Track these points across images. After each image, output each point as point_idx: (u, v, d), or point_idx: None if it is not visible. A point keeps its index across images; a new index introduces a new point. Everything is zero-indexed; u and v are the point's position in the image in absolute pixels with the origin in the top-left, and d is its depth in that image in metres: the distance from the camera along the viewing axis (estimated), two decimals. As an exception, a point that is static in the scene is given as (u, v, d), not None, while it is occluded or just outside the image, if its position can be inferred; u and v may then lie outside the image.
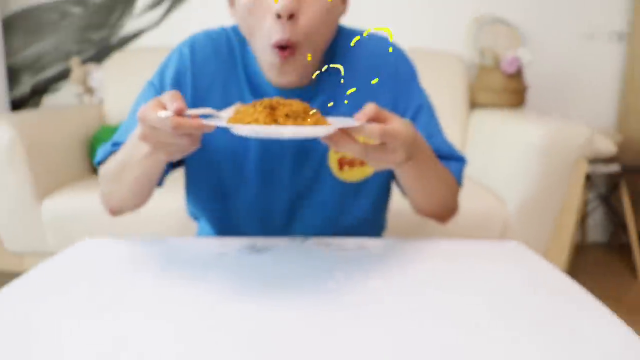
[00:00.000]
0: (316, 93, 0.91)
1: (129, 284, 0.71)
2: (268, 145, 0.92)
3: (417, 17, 2.57)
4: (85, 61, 2.55)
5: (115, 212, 0.95)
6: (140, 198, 0.90)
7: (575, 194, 1.80)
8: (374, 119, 0.68)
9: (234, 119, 0.67)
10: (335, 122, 0.68)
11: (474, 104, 2.39)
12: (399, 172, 0.85)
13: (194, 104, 0.90)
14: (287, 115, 0.66)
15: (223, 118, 0.71)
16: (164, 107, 0.66)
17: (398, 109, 0.94)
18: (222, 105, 0.90)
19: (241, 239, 0.92)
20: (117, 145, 0.92)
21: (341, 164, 0.95)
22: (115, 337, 0.57)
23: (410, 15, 2.56)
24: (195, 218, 1.12)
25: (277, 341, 0.56)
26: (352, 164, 0.95)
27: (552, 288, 0.73)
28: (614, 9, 2.63)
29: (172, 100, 0.65)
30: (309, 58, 0.84)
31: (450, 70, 2.34)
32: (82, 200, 1.83)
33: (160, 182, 0.93)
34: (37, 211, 1.81)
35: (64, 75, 2.58)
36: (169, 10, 2.54)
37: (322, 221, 0.99)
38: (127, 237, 0.92)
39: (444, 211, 0.97)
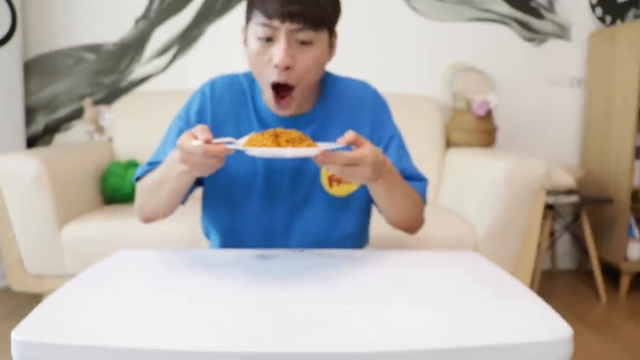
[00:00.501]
0: (310, 121, 1.17)
1: (166, 280, 0.92)
2: (272, 165, 1.16)
3: (398, 64, 2.85)
4: (96, 102, 2.78)
5: (148, 220, 1.18)
6: (170, 208, 1.14)
7: (536, 221, 2.04)
8: (352, 143, 0.95)
9: (248, 144, 0.93)
10: (322, 146, 0.94)
11: (449, 143, 2.65)
12: (370, 188, 1.10)
13: (213, 131, 1.14)
14: (287, 141, 0.92)
15: (239, 144, 0.96)
16: (196, 137, 0.92)
17: (375, 137, 1.20)
18: (235, 132, 1.16)
19: (251, 250, 1.15)
20: (152, 164, 1.17)
21: (331, 180, 1.19)
22: (161, 321, 0.79)
23: (392, 63, 2.84)
24: (208, 236, 1.33)
25: (285, 314, 0.79)
26: (339, 181, 1.19)
27: (496, 283, 0.96)
28: (573, 57, 2.94)
29: (202, 132, 0.92)
30: (300, 96, 1.10)
31: (428, 112, 2.61)
32: (97, 228, 2.03)
33: (184, 201, 1.17)
34: (57, 236, 2.00)
35: (76, 115, 2.80)
36: (174, 58, 2.80)
37: (316, 235, 1.21)
38: (155, 249, 1.14)
39: (411, 223, 1.21)
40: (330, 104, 1.19)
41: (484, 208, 2.04)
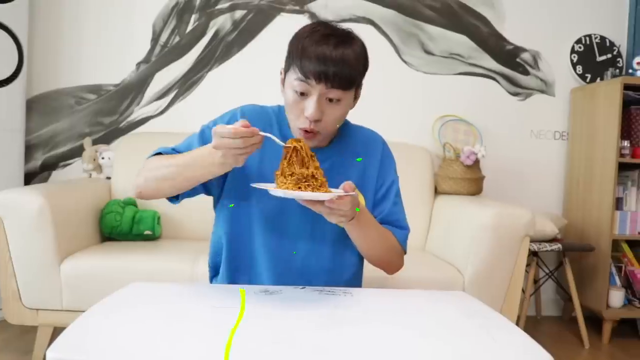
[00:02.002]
0: (329, 154, 1.29)
1: (178, 309, 0.99)
2: (288, 202, 1.21)
3: (391, 114, 2.96)
4: (95, 142, 2.84)
5: (144, 196, 1.24)
6: (173, 192, 1.21)
7: (521, 267, 2.12)
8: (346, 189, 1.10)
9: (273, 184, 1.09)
10: (317, 195, 1.06)
11: (437, 191, 2.74)
12: (347, 228, 1.22)
13: None
14: (308, 185, 1.06)
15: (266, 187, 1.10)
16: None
17: (379, 177, 1.34)
18: (260, 156, 1.25)
19: (255, 286, 1.21)
20: (175, 150, 1.26)
21: None
22: (175, 344, 0.85)
23: (385, 112, 2.94)
24: (214, 267, 1.39)
25: (288, 344, 0.85)
26: None
27: (482, 317, 1.03)
28: (557, 111, 3.08)
29: (239, 122, 1.04)
30: (324, 137, 1.26)
31: (419, 161, 2.71)
32: (96, 263, 2.06)
33: (180, 198, 1.26)
34: (56, 271, 2.03)
35: (74, 153, 2.85)
36: (173, 101, 2.89)
37: (321, 266, 1.30)
38: (164, 282, 1.20)
39: (388, 265, 1.35)
40: (346, 142, 1.33)
41: (470, 253, 2.11)
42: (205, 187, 1.27)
